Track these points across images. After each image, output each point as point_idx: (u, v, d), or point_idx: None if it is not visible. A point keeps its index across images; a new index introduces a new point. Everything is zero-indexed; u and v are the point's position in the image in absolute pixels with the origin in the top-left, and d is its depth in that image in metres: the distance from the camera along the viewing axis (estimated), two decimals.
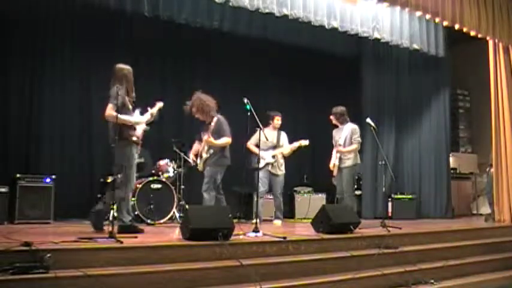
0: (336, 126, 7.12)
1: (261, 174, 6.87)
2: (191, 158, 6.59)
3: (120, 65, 5.39)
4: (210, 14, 7.10)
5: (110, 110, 5.09)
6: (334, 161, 6.96)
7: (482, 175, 9.64)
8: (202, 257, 4.38)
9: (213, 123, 6.27)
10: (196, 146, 6.52)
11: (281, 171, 7.15)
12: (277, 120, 7.16)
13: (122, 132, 5.15)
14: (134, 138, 5.28)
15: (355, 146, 6.88)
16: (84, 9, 7.11)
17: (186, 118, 6.64)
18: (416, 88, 9.11)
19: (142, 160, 7.55)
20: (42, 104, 7.24)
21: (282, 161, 7.16)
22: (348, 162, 6.87)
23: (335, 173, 6.99)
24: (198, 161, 6.40)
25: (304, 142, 7.03)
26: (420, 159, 9.07)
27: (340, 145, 6.86)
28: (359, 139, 6.94)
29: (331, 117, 7.06)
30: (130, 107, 5.32)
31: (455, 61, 9.21)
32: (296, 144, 7.07)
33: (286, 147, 7.14)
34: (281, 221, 7.10)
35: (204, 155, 6.28)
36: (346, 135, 6.85)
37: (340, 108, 7.04)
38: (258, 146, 6.80)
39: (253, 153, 6.93)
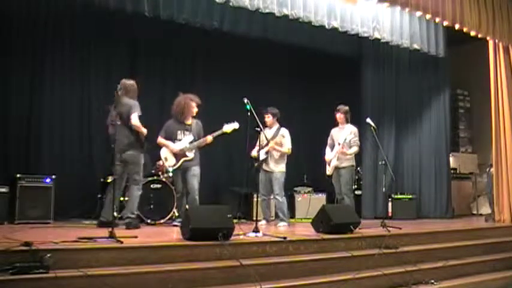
0: (337, 125, 7.12)
1: (260, 174, 6.74)
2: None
3: (131, 81, 5.99)
4: (210, 14, 7.09)
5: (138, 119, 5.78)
6: (332, 160, 6.94)
7: (482, 175, 9.64)
8: (202, 257, 4.38)
9: (193, 124, 6.46)
10: (175, 146, 6.37)
11: (276, 167, 6.80)
12: (265, 117, 6.95)
13: (142, 139, 5.86)
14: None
15: (356, 149, 6.92)
16: (84, 9, 7.12)
17: None
18: (416, 88, 9.10)
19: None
20: (42, 104, 7.23)
21: (277, 157, 6.81)
22: (346, 163, 6.89)
23: (330, 171, 6.99)
24: (174, 160, 6.36)
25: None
26: (420, 159, 9.07)
27: (339, 144, 6.85)
28: (358, 142, 6.99)
29: (340, 115, 7.03)
30: None
31: (455, 61, 9.20)
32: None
33: (285, 144, 6.85)
34: (286, 223, 6.74)
35: (191, 155, 6.33)
36: (346, 135, 6.84)
37: (346, 107, 7.08)
38: (260, 148, 6.69)
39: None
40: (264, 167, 6.85)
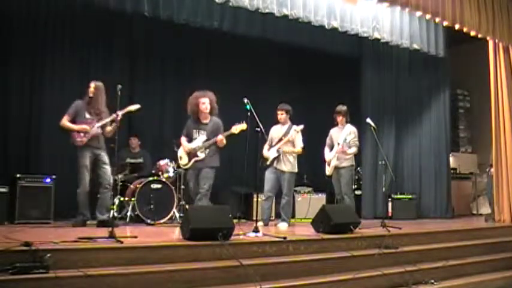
0: (336, 125, 7.12)
1: (268, 172, 6.73)
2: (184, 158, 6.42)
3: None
4: (210, 14, 7.09)
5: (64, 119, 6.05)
6: (331, 160, 6.93)
7: (482, 175, 9.64)
8: (202, 257, 4.38)
9: (210, 123, 6.36)
10: (188, 144, 6.36)
11: (287, 167, 6.62)
12: (278, 114, 6.86)
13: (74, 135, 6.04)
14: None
15: (355, 149, 6.91)
16: (84, 9, 7.13)
17: (186, 118, 6.64)
18: (416, 88, 9.10)
19: (141, 160, 7.57)
20: (42, 104, 7.24)
21: (290, 157, 6.66)
22: (346, 163, 6.89)
23: (330, 172, 6.98)
24: (187, 159, 6.33)
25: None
26: (420, 159, 9.06)
27: (338, 144, 6.85)
28: (357, 142, 7.00)
29: (341, 117, 7.00)
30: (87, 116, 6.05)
31: (455, 61, 9.19)
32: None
33: (297, 143, 6.70)
34: (287, 224, 6.64)
35: (202, 155, 6.24)
36: (346, 136, 6.84)
37: (345, 107, 7.06)
38: (270, 145, 6.74)
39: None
40: (275, 164, 6.67)
